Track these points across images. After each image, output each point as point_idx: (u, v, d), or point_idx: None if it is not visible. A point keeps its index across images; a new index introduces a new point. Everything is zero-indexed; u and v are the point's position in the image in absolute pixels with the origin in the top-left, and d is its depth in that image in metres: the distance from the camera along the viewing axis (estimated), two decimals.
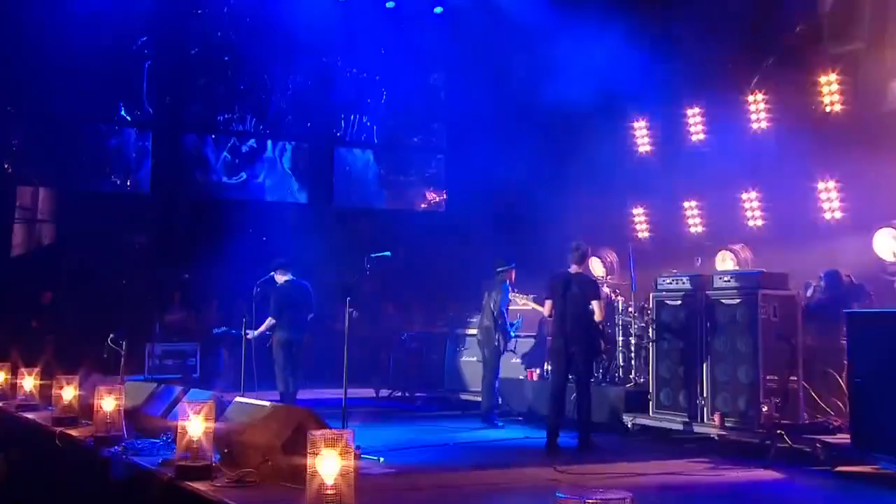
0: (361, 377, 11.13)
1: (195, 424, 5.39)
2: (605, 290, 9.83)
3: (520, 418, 9.39)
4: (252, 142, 15.52)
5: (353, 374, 12.62)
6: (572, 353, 7.68)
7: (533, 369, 9.79)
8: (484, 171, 14.29)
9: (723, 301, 7.76)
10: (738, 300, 7.62)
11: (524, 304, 9.12)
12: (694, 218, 12.16)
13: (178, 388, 7.17)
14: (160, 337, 12.90)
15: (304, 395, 9.48)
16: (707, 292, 7.90)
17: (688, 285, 8.09)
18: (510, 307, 9.20)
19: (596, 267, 11.93)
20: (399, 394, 11.43)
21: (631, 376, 9.00)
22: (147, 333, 12.85)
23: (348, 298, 7.31)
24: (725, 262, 10.83)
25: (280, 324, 8.91)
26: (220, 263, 15.17)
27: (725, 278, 7.84)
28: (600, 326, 7.95)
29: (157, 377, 11.08)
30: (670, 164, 12.37)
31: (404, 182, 16.32)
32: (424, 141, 16.43)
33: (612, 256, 11.99)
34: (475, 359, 10.33)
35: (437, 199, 16.46)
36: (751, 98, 11.10)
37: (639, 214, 12.93)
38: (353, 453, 4.38)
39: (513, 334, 9.06)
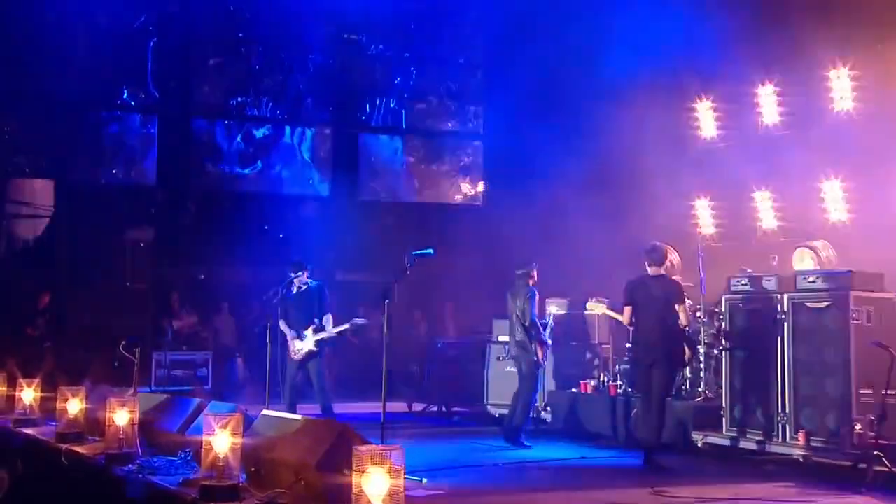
0: (391, 390, 11.11)
1: (221, 440, 5.38)
2: None
3: (571, 437, 9.29)
4: (268, 128, 15.58)
5: (380, 387, 12.79)
6: (653, 363, 7.75)
7: (586, 381, 9.71)
8: (526, 160, 14.25)
9: (807, 304, 7.65)
10: (825, 303, 7.51)
11: (601, 312, 9.03)
12: (766, 211, 11.95)
13: (197, 401, 7.20)
14: (169, 345, 12.96)
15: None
16: (789, 295, 7.77)
17: (766, 286, 7.97)
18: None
19: (797, 261, 11.82)
20: (435, 408, 11.38)
21: (700, 389, 8.91)
22: (153, 340, 12.92)
23: (386, 301, 7.25)
24: (804, 261, 10.56)
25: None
26: (232, 263, 15.31)
27: (810, 279, 7.73)
28: (685, 333, 7.93)
29: (165, 389, 11.14)
30: (739, 149, 12.19)
31: (437, 172, 16.30)
32: (459, 126, 16.39)
33: (673, 255, 11.85)
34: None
35: (474, 191, 16.41)
36: (833, 74, 10.89)
37: (703, 207, 12.74)
38: (402, 472, 4.35)
39: (549, 340, 8.99)
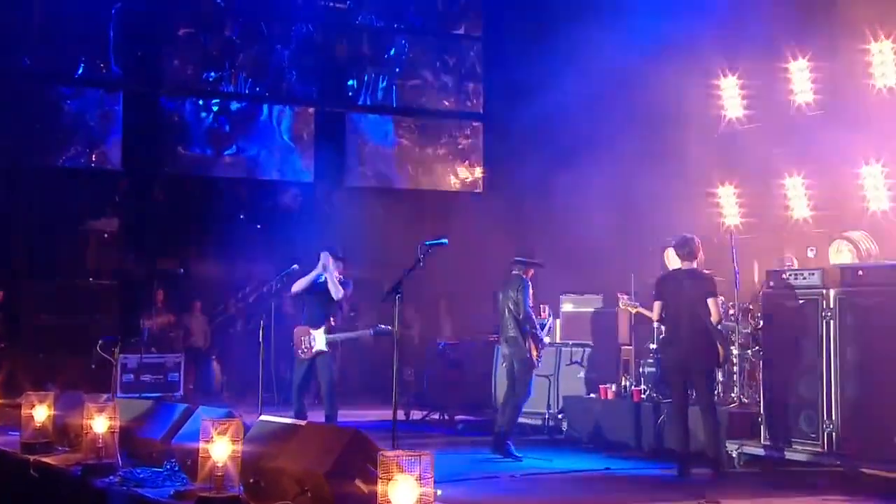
0: (385, 395, 11.11)
1: (220, 447, 5.41)
2: None
3: (590, 445, 9.31)
4: (245, 106, 15.49)
5: (375, 392, 12.84)
6: (689, 365, 7.82)
7: (607, 385, 9.73)
8: (531, 142, 14.24)
9: (857, 301, 7.67)
10: (877, 299, 7.53)
11: (634, 311, 9.03)
12: (798, 199, 11.95)
13: (183, 406, 7.20)
14: (139, 346, 12.88)
15: (318, 416, 9.44)
16: (836, 290, 7.81)
17: (811, 281, 7.99)
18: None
19: (673, 261, 11.84)
20: (436, 416, 11.38)
21: (733, 395, 8.94)
22: (122, 341, 12.84)
23: (398, 295, 7.27)
24: (841, 253, 10.64)
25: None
26: (205, 256, 15.26)
27: (860, 272, 7.76)
28: (719, 330, 7.99)
29: (131, 396, 11.06)
30: (768, 131, 12.23)
31: (432, 156, 16.29)
32: (457, 105, 16.36)
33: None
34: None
35: (473, 176, 16.38)
36: (874, 48, 10.91)
37: (727, 195, 12.77)
38: (432, 480, 4.36)
39: (546, 339, 8.98)
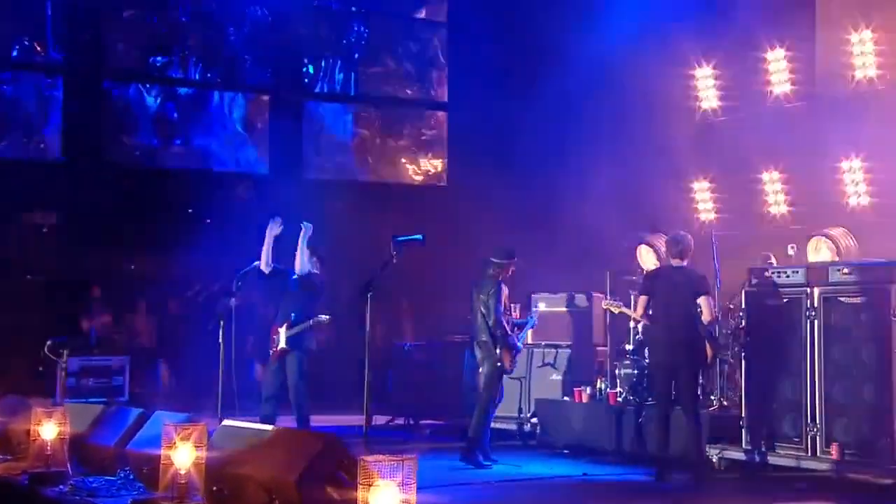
0: (346, 400, 11.10)
1: (183, 453, 5.40)
2: None
3: (565, 451, 9.37)
4: (196, 93, 15.31)
5: (336, 397, 12.79)
6: (677, 365, 7.89)
7: (581, 388, 9.78)
8: (499, 133, 14.27)
9: (841, 299, 7.80)
10: (862, 298, 7.65)
11: (618, 311, 9.08)
12: (776, 195, 12.15)
13: (137, 411, 7.17)
14: (80, 348, 12.68)
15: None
16: (820, 288, 7.93)
17: (794, 279, 8.13)
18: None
19: (647, 258, 11.93)
20: (401, 421, 11.36)
21: (714, 397, 9.02)
22: (68, 342, 12.64)
23: (369, 294, 7.23)
24: (820, 251, 10.72)
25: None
26: (152, 253, 15.07)
27: (845, 270, 7.89)
28: (712, 329, 8.08)
29: (73, 401, 10.90)
30: (745, 123, 12.38)
31: (394, 147, 16.23)
32: (420, 94, 16.33)
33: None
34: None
35: (437, 168, 16.37)
36: (854, 38, 11.08)
37: (702, 190, 12.91)
38: (414, 487, 4.40)
39: (520, 344, 8.98)
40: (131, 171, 14.96)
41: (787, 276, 8.17)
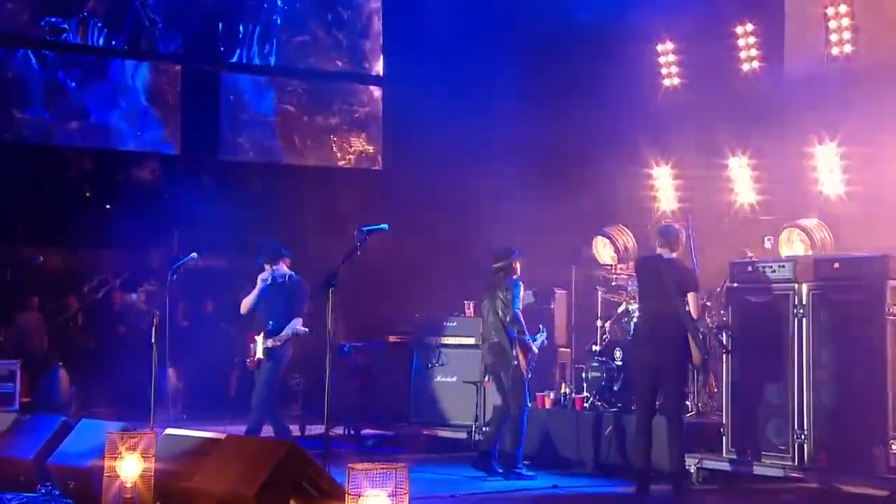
0: (283, 406, 10.99)
1: (130, 465, 5.48)
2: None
3: (525, 462, 9.39)
4: (96, 61, 14.98)
5: (299, 402, 12.68)
6: (662, 366, 7.96)
7: (545, 393, 9.83)
8: (439, 112, 14.21)
9: (832, 296, 7.95)
10: (855, 295, 7.79)
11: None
12: (743, 182, 12.29)
13: (58, 419, 7.16)
14: None
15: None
16: (809, 284, 8.07)
17: (781, 274, 8.26)
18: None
19: (603, 252, 12.04)
20: (340, 430, 11.30)
21: (691, 402, 9.14)
22: None
23: (331, 289, 7.24)
24: (793, 244, 10.97)
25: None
26: (42, 244, 14.74)
27: (836, 265, 8.04)
28: (699, 329, 8.14)
29: None
30: (711, 105, 12.53)
31: (322, 126, 16.11)
32: (351, 66, 16.23)
33: (625, 237, 12.08)
34: (455, 378, 10.37)
35: (370, 151, 16.29)
36: (831, 12, 11.30)
37: (663, 177, 13.06)
38: (407, 496, 4.60)
39: (535, 349, 9.06)
40: (20, 149, 14.66)
41: (773, 271, 8.31)
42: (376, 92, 16.29)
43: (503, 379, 8.95)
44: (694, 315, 8.04)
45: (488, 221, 12.96)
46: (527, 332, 8.95)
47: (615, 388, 9.32)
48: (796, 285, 8.16)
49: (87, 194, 15.29)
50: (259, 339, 9.21)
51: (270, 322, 9.22)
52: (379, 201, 14.82)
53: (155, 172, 15.31)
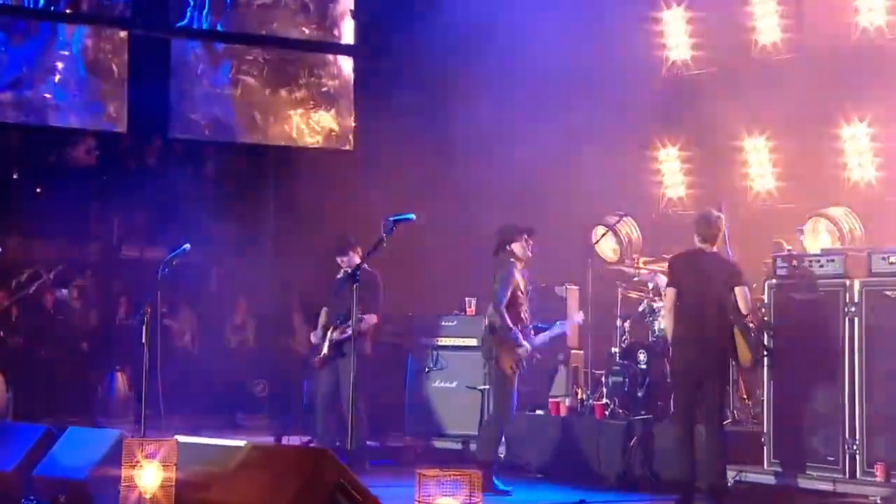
0: (271, 414, 11.07)
1: (149, 475, 5.60)
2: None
3: (538, 475, 9.56)
4: (29, 26, 14.76)
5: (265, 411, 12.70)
6: (705, 372, 8.09)
7: (559, 399, 9.91)
8: (417, 86, 14.25)
9: (887, 293, 8.09)
10: None
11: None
12: (761, 166, 12.44)
13: (40, 428, 7.30)
14: None
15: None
16: (861, 280, 8.21)
17: (829, 269, 8.40)
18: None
19: (603, 243, 12.15)
20: (298, 439, 11.34)
21: (730, 410, 9.31)
22: None
23: (355, 286, 7.36)
24: (819, 235, 11.11)
25: None
26: None
27: (892, 259, 8.16)
28: (747, 327, 8.23)
29: None
30: (723, 79, 12.63)
31: (286, 101, 16.02)
32: (320, 34, 16.18)
33: (628, 227, 12.20)
34: (454, 384, 10.49)
35: (340, 128, 16.26)
36: None
37: (669, 160, 13.19)
38: None
39: (527, 344, 9.04)
40: None
41: (821, 266, 8.46)
42: (347, 63, 16.26)
43: (489, 380, 9.15)
44: (744, 311, 8.13)
45: (478, 209, 13.01)
46: (512, 327, 8.92)
47: (639, 395, 9.45)
48: (847, 281, 8.31)
49: (15, 176, 15.10)
50: (329, 333, 9.71)
51: (338, 320, 9.68)
52: (349, 185, 14.78)
53: (92, 152, 15.14)
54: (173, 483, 5.71)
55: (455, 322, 10.92)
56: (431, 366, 10.86)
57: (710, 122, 12.43)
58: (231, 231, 14.39)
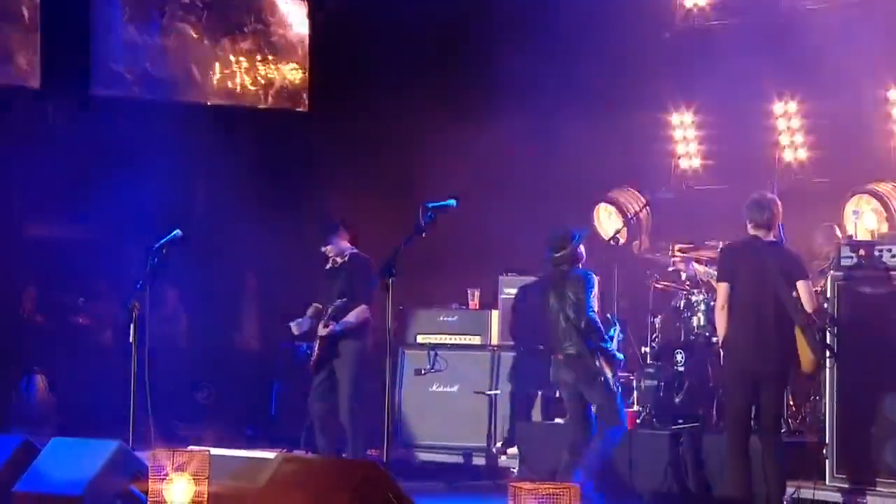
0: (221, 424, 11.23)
1: (180, 489, 5.82)
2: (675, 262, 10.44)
3: None
4: None
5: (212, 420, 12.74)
6: (763, 376, 8.32)
7: None
8: (386, 34, 14.33)
9: None
10: None
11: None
12: (792, 134, 12.70)
13: (17, 440, 7.50)
14: None
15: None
16: None
17: None
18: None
19: (606, 223, 12.41)
20: (302, 453, 11.46)
21: (783, 418, 9.40)
22: None
23: (391, 280, 7.51)
24: (862, 214, 11.33)
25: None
26: None
27: None
28: (811, 325, 8.40)
29: None
30: (747, 31, 12.77)
31: (229, 52, 16.04)
32: None
33: (636, 204, 12.43)
34: (455, 388, 10.65)
35: (294, 85, 16.32)
36: None
37: (684, 126, 13.42)
38: None
39: (619, 354, 9.38)
40: None
41: (893, 255, 8.68)
42: (301, 8, 16.33)
43: (586, 395, 9.25)
44: (808, 308, 8.29)
45: (452, 184, 13.09)
46: (607, 339, 9.20)
47: (676, 401, 9.71)
48: None
49: None
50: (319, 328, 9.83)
51: (329, 308, 9.80)
52: (303, 153, 14.89)
53: (11, 113, 14.99)
54: (206, 498, 5.88)
55: (456, 317, 11.10)
56: (428, 367, 10.97)
57: (730, 83, 12.43)
58: (162, 205, 14.39)
